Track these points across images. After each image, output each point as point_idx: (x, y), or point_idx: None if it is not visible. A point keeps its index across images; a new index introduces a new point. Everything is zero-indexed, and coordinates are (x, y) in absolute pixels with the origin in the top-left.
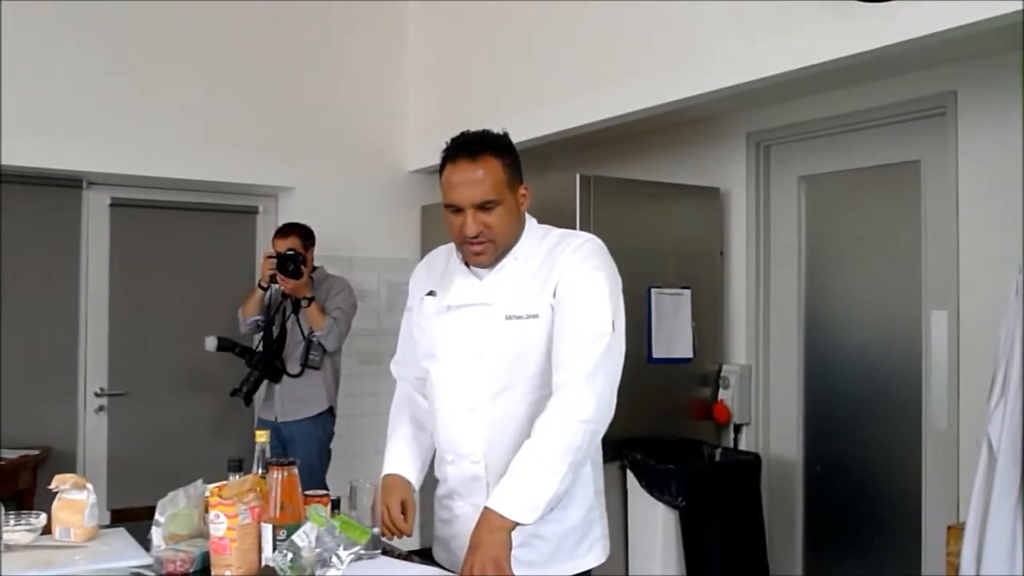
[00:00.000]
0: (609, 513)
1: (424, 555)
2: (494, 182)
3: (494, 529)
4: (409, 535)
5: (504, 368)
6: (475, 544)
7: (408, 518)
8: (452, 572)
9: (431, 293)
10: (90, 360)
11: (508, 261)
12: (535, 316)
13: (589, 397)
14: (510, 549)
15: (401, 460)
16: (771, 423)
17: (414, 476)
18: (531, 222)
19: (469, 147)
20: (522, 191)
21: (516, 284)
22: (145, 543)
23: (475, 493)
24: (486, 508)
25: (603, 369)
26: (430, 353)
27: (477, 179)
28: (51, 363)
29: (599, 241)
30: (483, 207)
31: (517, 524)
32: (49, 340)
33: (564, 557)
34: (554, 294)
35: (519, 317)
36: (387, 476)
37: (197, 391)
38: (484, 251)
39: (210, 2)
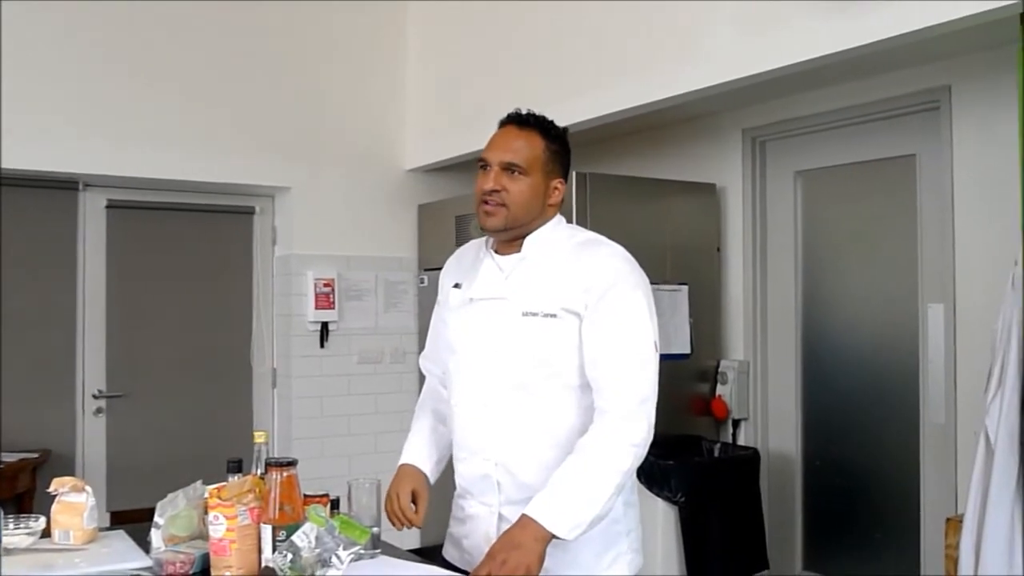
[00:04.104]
0: None
1: (424, 554)
2: (529, 154)
3: (537, 539)
4: (419, 526)
5: (518, 365)
6: (515, 543)
7: (419, 508)
8: (457, 571)
9: (457, 285)
10: (88, 362)
11: (528, 253)
12: (552, 316)
13: (642, 422)
14: (543, 563)
15: (417, 451)
16: (769, 418)
17: (429, 468)
18: (559, 219)
19: (521, 118)
20: (555, 184)
21: (537, 281)
22: (145, 545)
23: (486, 492)
24: (526, 515)
25: (653, 395)
26: (450, 346)
27: (514, 145)
28: (49, 365)
29: (625, 252)
30: (508, 168)
31: (555, 537)
32: (47, 342)
33: (583, 567)
34: (581, 303)
35: (535, 314)
36: (401, 466)
37: (195, 392)
38: (494, 213)
39: (206, 4)
